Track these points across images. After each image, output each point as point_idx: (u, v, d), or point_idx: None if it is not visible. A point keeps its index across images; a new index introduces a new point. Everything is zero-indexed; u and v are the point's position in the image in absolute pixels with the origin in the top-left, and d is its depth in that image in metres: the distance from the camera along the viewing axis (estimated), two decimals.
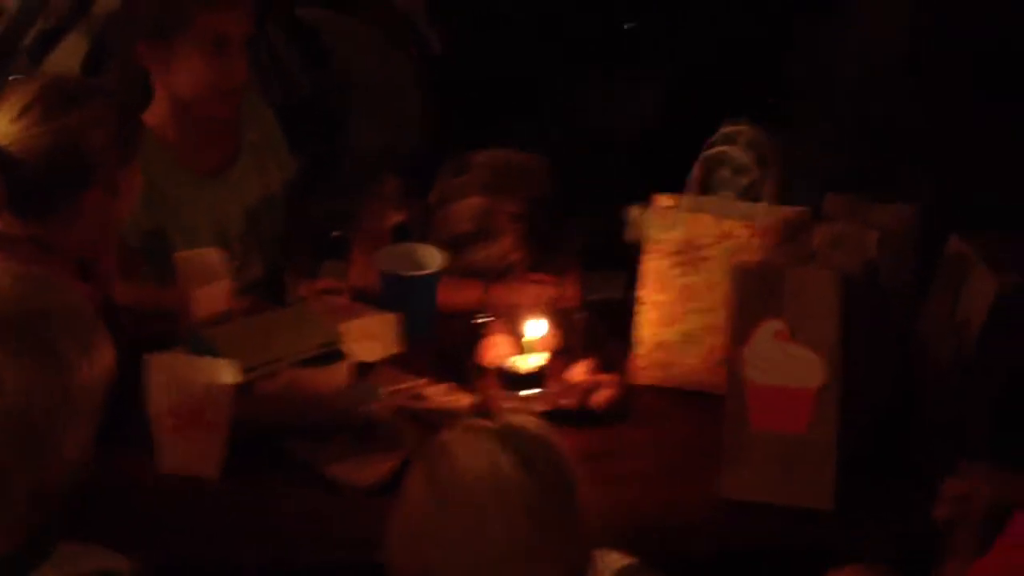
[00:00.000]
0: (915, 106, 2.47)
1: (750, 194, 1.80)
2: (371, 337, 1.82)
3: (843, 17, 2.86)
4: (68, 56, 2.91)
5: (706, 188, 1.95)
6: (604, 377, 1.74)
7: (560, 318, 1.87)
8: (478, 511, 1.13)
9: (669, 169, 1.84)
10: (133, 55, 1.95)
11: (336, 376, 1.70)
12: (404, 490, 1.20)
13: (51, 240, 1.63)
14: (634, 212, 1.92)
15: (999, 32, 2.39)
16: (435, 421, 1.65)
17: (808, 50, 2.93)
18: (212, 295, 1.79)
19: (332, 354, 1.71)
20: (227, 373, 1.55)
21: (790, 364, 1.51)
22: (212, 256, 1.84)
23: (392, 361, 1.81)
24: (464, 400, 1.69)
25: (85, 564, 1.14)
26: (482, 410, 1.68)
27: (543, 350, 1.79)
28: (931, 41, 2.50)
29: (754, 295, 1.54)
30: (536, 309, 1.85)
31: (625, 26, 3.01)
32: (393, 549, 1.18)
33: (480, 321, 1.86)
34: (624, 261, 1.91)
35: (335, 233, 2.59)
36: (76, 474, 1.15)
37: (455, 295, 1.93)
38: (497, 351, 1.78)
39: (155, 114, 1.97)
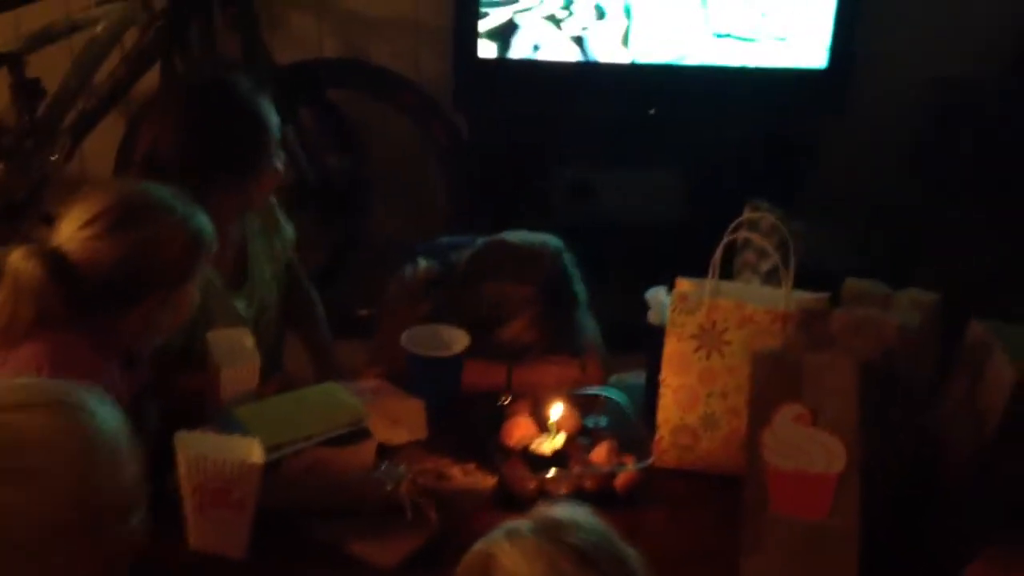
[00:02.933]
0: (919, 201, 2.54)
1: (772, 279, 1.83)
2: (397, 421, 1.84)
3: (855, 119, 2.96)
4: (106, 136, 3.00)
5: (729, 272, 1.99)
6: (626, 459, 1.76)
7: (582, 400, 1.89)
8: None
9: (691, 256, 1.87)
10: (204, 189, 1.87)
11: (362, 455, 1.72)
12: None
13: (100, 336, 1.67)
14: (655, 296, 1.95)
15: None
16: (459, 502, 1.68)
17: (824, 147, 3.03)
18: (241, 375, 1.82)
19: (358, 433, 1.74)
20: (254, 452, 1.58)
21: (810, 449, 1.52)
22: (242, 336, 1.88)
23: (416, 441, 1.83)
24: (487, 481, 1.71)
25: None
26: (505, 493, 1.70)
27: (566, 431, 1.81)
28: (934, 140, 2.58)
29: (773, 379, 1.55)
30: (559, 390, 1.87)
31: (650, 111, 3.07)
32: None
33: (504, 403, 1.88)
34: (644, 345, 1.94)
35: (362, 312, 2.63)
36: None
37: (479, 376, 1.96)
38: (520, 432, 1.80)
39: None
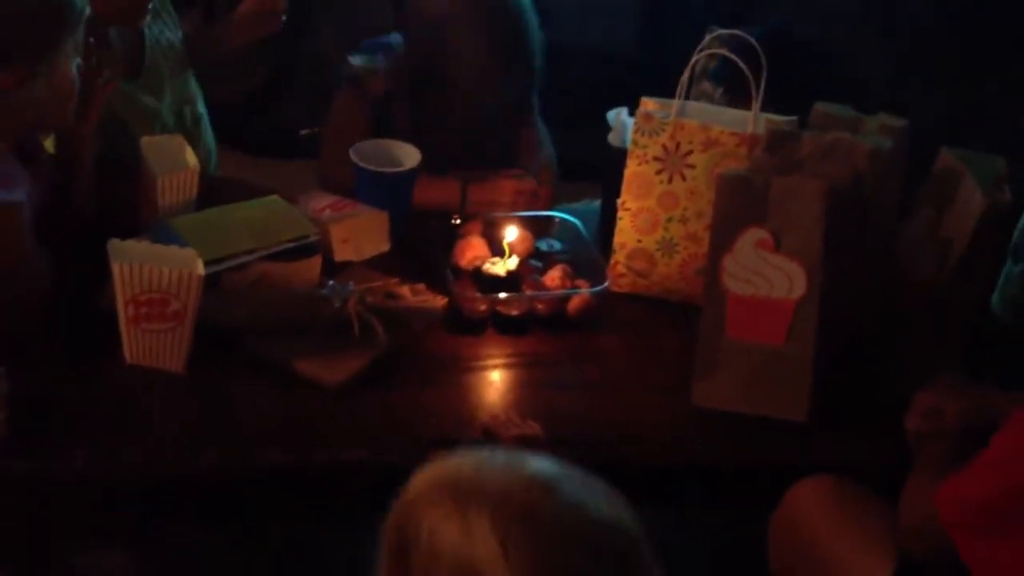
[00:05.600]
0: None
1: (738, 103, 1.76)
2: (361, 236, 1.77)
3: None
4: None
5: (694, 95, 1.92)
6: (580, 283, 1.72)
7: (535, 222, 1.83)
8: None
9: (649, 85, 1.79)
10: None
11: (308, 271, 1.66)
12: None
13: None
14: (618, 116, 1.88)
15: None
16: (408, 321, 1.63)
17: None
18: (179, 182, 1.73)
19: (304, 248, 1.66)
20: (193, 263, 1.50)
21: (771, 274, 1.49)
22: (178, 142, 1.78)
23: (365, 259, 1.77)
24: (438, 301, 1.66)
25: None
26: (456, 314, 1.66)
27: (519, 253, 1.75)
28: None
29: (738, 203, 1.50)
30: (513, 208, 1.81)
31: None
32: None
33: (456, 222, 1.82)
34: (603, 168, 1.88)
35: (304, 131, 2.52)
36: None
37: (432, 193, 1.88)
38: (472, 252, 1.75)
39: None
